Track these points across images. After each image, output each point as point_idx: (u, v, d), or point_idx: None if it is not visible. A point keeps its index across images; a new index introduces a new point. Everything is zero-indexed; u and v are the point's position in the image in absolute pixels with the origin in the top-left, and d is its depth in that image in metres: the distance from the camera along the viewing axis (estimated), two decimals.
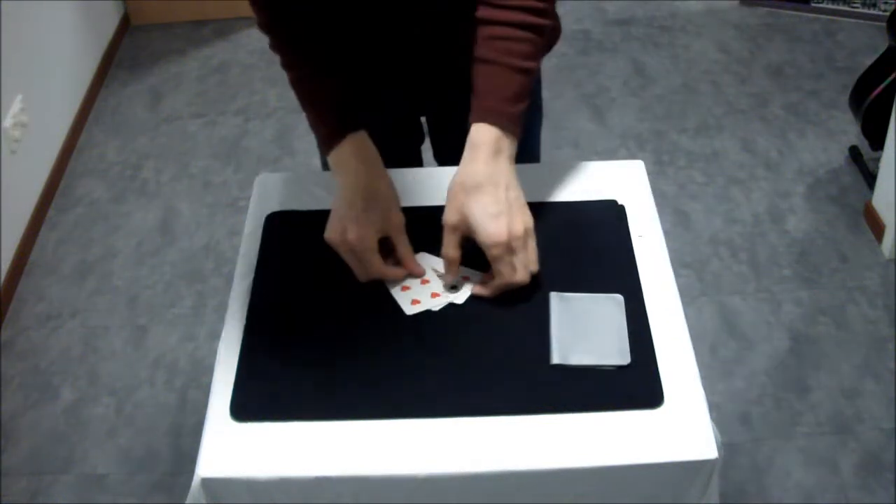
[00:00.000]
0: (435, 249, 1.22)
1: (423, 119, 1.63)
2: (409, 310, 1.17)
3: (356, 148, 1.21)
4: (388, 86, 1.40)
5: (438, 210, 1.17)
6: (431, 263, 1.22)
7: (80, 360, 2.47)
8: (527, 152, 1.64)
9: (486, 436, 1.09)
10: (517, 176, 1.15)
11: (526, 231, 1.11)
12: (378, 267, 1.18)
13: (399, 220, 1.20)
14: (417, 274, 1.20)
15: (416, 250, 1.26)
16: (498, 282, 1.14)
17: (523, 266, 1.12)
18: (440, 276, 1.20)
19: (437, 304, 1.17)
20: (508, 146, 1.12)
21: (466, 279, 1.20)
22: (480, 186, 1.09)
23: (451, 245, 1.14)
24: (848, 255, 2.65)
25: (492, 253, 1.10)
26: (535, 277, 1.19)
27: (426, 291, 1.19)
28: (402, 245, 1.20)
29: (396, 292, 1.19)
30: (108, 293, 2.66)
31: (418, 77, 1.42)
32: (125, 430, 2.29)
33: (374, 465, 1.08)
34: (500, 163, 1.11)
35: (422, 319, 1.20)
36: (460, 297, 1.18)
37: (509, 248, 1.09)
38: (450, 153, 1.60)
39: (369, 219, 1.17)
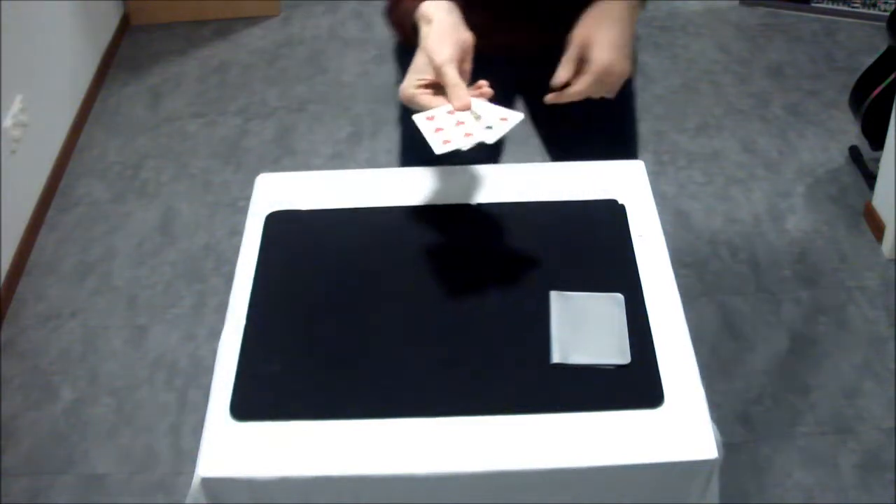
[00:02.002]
0: (444, 246, 1.22)
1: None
2: (439, 149, 1.14)
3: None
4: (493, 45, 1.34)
5: (449, 208, 1.17)
6: (474, 106, 1.19)
7: (80, 360, 2.47)
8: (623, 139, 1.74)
9: (486, 436, 1.09)
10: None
11: (625, 73, 1.23)
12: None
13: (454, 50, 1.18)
14: (460, 108, 1.17)
15: (429, 245, 1.26)
16: (577, 89, 1.22)
17: (605, 92, 1.24)
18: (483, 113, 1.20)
19: (467, 143, 1.15)
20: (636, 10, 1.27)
21: (504, 120, 1.19)
22: (617, 19, 1.21)
23: (568, 60, 1.22)
24: (848, 255, 2.65)
25: (594, 73, 1.20)
26: (534, 278, 1.19)
27: (460, 131, 1.16)
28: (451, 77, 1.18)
29: (429, 133, 1.16)
30: (108, 293, 2.66)
31: (526, 48, 1.46)
32: (125, 430, 2.29)
33: (374, 465, 1.08)
34: (633, 12, 1.24)
35: (422, 318, 1.20)
36: (492, 136, 1.18)
37: (608, 76, 1.21)
38: (551, 140, 1.77)
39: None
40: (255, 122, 3.29)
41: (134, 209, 2.96)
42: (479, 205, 1.41)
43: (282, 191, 1.47)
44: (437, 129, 1.15)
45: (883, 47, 2.79)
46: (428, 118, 1.16)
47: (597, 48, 1.20)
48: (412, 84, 1.18)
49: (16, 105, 2.82)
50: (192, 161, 3.13)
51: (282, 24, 3.80)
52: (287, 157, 3.11)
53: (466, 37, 1.17)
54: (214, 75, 3.55)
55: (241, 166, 3.10)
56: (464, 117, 1.16)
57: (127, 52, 3.71)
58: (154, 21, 3.84)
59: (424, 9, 1.20)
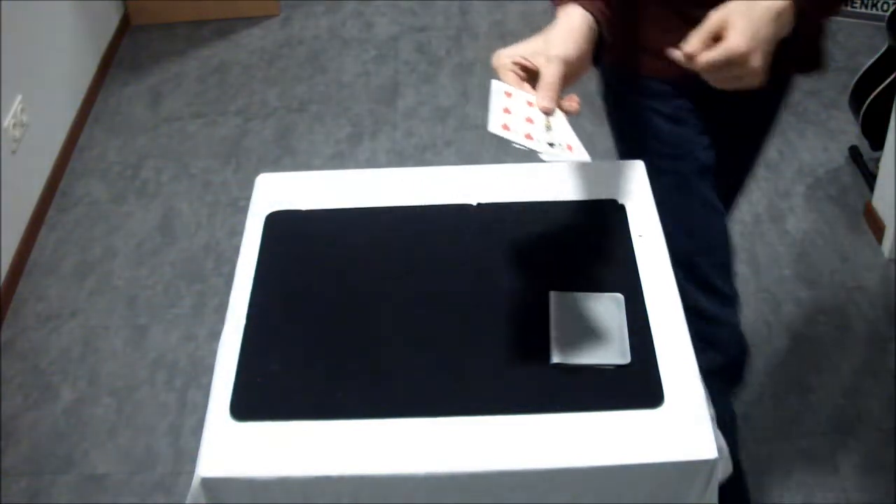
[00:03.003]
0: (444, 246, 1.22)
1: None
2: (495, 128, 1.05)
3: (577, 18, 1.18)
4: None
5: (449, 208, 1.17)
6: (554, 116, 1.10)
7: (80, 360, 2.47)
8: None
9: (486, 435, 1.09)
10: None
11: (758, 71, 1.09)
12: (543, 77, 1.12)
13: (562, 53, 1.12)
14: (543, 108, 1.09)
15: (429, 245, 1.25)
16: (704, 59, 1.09)
17: (730, 83, 1.12)
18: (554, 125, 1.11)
19: (523, 143, 1.06)
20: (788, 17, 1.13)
21: (570, 149, 1.09)
22: (765, 11, 1.09)
23: (701, 33, 1.09)
24: (848, 255, 2.65)
25: (724, 52, 1.08)
26: (534, 278, 1.19)
27: (523, 128, 1.07)
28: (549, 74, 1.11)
29: (496, 107, 1.08)
30: (108, 293, 2.67)
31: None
32: (125, 430, 2.29)
33: (374, 465, 1.08)
34: (786, 14, 1.12)
35: (422, 318, 1.20)
36: (549, 155, 1.09)
37: (737, 65, 1.08)
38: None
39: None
40: (255, 122, 3.29)
41: (134, 209, 2.96)
42: (479, 205, 1.41)
43: (282, 191, 1.47)
44: (506, 110, 1.07)
45: (883, 47, 2.79)
46: (506, 93, 1.09)
47: (734, 32, 1.08)
48: (511, 56, 1.14)
49: (16, 105, 2.82)
50: (192, 161, 3.13)
51: (282, 24, 3.80)
52: (287, 157, 3.12)
53: (585, 58, 1.14)
54: (214, 75, 3.55)
55: (241, 166, 3.10)
56: (536, 118, 1.09)
57: (127, 52, 3.71)
58: (154, 21, 3.84)
59: (573, 8, 1.16)
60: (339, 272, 1.27)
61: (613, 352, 1.18)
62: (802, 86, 3.30)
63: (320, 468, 1.08)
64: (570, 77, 1.11)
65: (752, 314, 2.49)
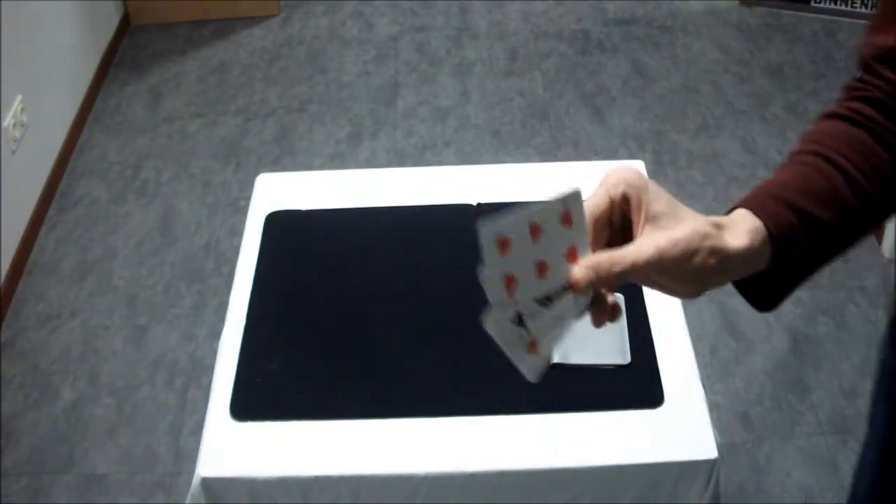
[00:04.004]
0: (444, 246, 1.22)
1: None
2: (489, 324, 0.66)
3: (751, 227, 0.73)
4: None
5: (449, 208, 1.17)
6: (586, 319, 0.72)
7: (80, 360, 2.47)
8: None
9: (486, 436, 1.09)
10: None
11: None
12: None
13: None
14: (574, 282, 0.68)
15: (429, 245, 1.26)
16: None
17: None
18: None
19: (515, 345, 0.68)
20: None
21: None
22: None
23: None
24: (848, 255, 2.65)
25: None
26: None
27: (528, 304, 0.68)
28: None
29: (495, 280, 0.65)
30: (108, 293, 2.66)
31: None
32: (125, 430, 2.29)
33: (374, 465, 1.08)
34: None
35: (422, 318, 1.20)
36: (554, 352, 0.79)
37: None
38: None
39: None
40: (255, 122, 3.29)
41: (134, 209, 2.95)
42: (479, 205, 1.41)
43: (282, 191, 1.47)
44: (509, 279, 0.65)
45: None
46: (500, 239, 0.64)
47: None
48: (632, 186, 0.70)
49: (16, 105, 2.82)
50: (192, 161, 3.13)
51: (282, 24, 3.80)
52: (287, 157, 3.11)
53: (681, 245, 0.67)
54: (214, 75, 3.55)
55: (241, 166, 3.09)
56: (552, 281, 0.67)
57: (127, 52, 3.71)
58: (154, 21, 3.84)
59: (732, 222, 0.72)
60: (338, 272, 1.27)
61: (613, 352, 1.18)
62: (803, 86, 3.30)
63: (320, 468, 1.08)
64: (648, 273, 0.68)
65: (753, 314, 2.49)
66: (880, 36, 0.80)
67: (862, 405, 2.25)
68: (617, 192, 0.69)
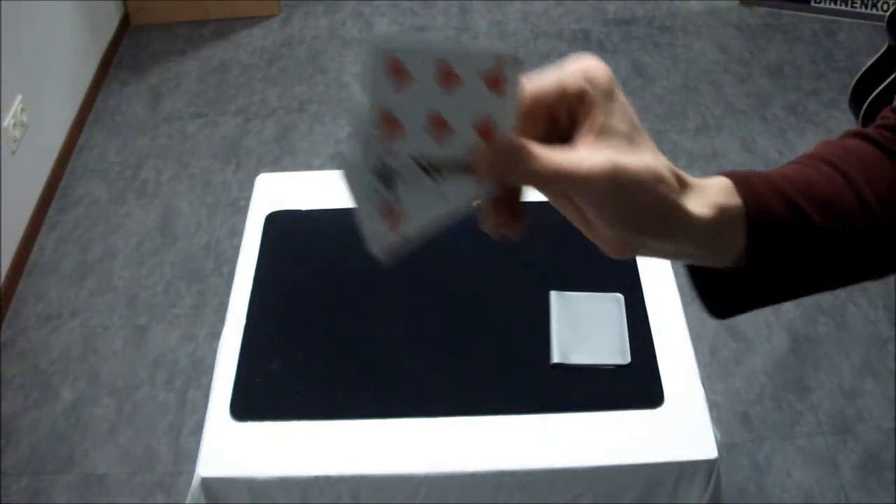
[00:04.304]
0: (444, 246, 1.22)
1: None
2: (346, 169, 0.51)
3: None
4: None
5: None
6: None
7: (80, 360, 2.47)
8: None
9: (486, 436, 1.09)
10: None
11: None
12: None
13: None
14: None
15: (429, 246, 1.26)
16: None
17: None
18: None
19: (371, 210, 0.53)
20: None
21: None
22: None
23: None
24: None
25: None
26: (534, 278, 1.19)
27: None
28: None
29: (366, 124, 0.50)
30: (108, 293, 2.66)
31: None
32: (125, 430, 2.29)
33: (374, 465, 1.08)
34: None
35: (422, 318, 1.20)
36: (418, 222, 0.54)
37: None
38: None
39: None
40: (255, 122, 3.29)
41: (134, 209, 2.95)
42: (480, 205, 1.41)
43: (282, 191, 1.47)
44: (391, 121, 0.49)
45: (883, 47, 2.79)
46: (395, 64, 0.49)
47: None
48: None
49: (16, 105, 2.82)
50: (192, 161, 3.13)
51: (282, 24, 3.80)
52: (287, 157, 3.11)
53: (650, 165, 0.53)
54: (214, 75, 3.54)
55: (241, 166, 3.09)
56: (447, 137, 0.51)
57: (127, 52, 3.71)
58: (154, 21, 3.84)
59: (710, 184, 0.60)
60: (338, 272, 1.27)
61: (613, 352, 1.18)
62: (803, 86, 3.30)
63: (320, 468, 1.08)
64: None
65: (752, 314, 2.49)
66: None
67: (862, 405, 2.25)
68: (574, 85, 0.52)
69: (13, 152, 2.78)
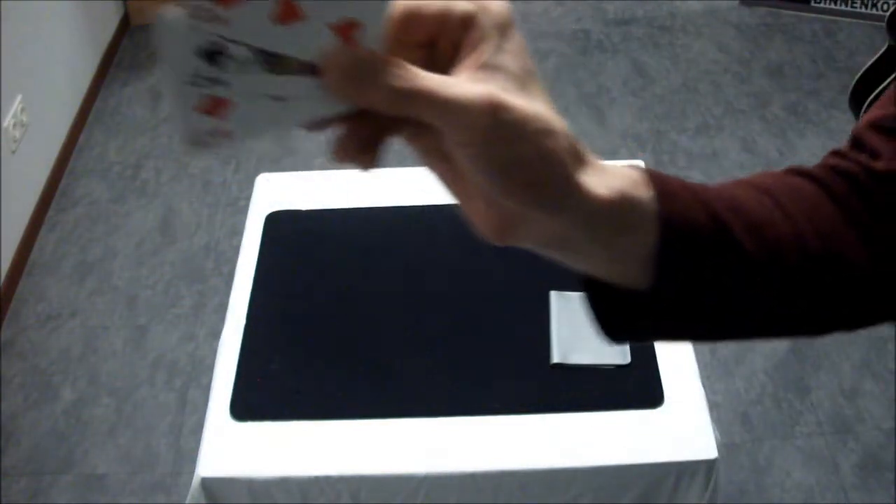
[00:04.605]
0: (444, 246, 1.22)
1: None
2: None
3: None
4: None
5: (450, 208, 1.17)
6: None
7: (80, 360, 2.47)
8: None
9: (486, 436, 1.09)
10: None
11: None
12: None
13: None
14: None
15: (429, 245, 1.26)
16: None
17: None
18: None
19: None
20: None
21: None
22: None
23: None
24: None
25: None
26: (534, 278, 1.19)
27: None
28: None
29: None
30: (108, 293, 2.66)
31: None
32: (125, 430, 2.29)
33: (374, 465, 1.08)
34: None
35: (422, 318, 1.20)
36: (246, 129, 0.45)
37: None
38: None
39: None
40: None
41: (134, 209, 2.95)
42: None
43: (282, 191, 1.47)
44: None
45: (883, 47, 2.79)
46: None
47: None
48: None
49: (16, 105, 2.82)
50: (192, 161, 3.13)
51: None
52: (287, 157, 3.11)
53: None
54: None
55: (241, 166, 3.09)
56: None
57: (127, 52, 3.71)
58: (154, 21, 3.84)
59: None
60: (339, 272, 1.27)
61: (613, 352, 1.18)
62: (803, 86, 3.30)
63: (320, 468, 1.08)
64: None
65: None
66: (878, 109, 0.62)
67: (862, 405, 2.25)
68: (461, 8, 0.43)
69: (13, 152, 2.78)
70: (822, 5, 3.66)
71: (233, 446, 1.11)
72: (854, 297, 0.55)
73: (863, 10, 3.61)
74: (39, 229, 2.89)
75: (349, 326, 1.21)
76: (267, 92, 0.40)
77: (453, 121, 0.40)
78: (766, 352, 2.39)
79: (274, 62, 0.40)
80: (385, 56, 0.40)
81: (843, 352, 2.38)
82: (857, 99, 2.80)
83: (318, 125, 0.43)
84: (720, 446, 1.11)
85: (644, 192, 0.47)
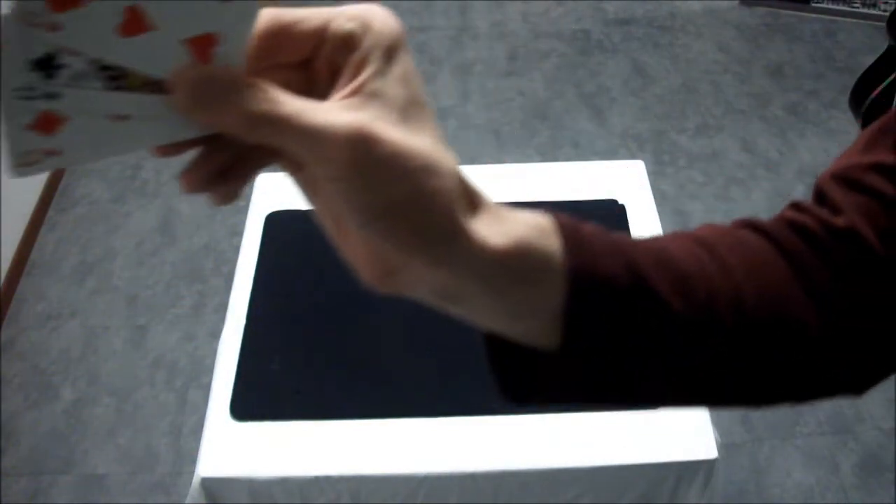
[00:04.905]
0: None
1: None
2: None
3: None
4: None
5: None
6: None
7: (80, 360, 2.47)
8: None
9: (486, 436, 1.09)
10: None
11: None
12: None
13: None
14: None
15: None
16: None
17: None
18: None
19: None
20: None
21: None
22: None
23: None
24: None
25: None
26: None
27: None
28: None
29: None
30: (108, 293, 2.66)
31: None
32: (125, 430, 2.29)
33: (374, 465, 1.08)
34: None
35: (422, 318, 1.20)
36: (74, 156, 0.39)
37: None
38: None
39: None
40: None
41: (134, 209, 2.95)
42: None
43: (282, 191, 1.47)
44: None
45: (883, 47, 2.79)
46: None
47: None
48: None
49: None
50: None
51: None
52: None
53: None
54: None
55: None
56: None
57: None
58: None
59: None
60: (338, 272, 1.27)
61: None
62: (803, 86, 3.30)
63: (320, 468, 1.08)
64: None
65: None
66: (843, 158, 0.56)
67: (862, 405, 2.25)
68: (342, 26, 0.38)
69: None
70: (822, 5, 3.66)
71: (233, 446, 1.11)
72: (800, 364, 0.49)
73: (863, 10, 3.61)
74: (39, 229, 2.89)
75: (349, 326, 1.21)
76: (107, 110, 0.35)
77: (315, 152, 0.36)
78: None
79: (117, 77, 0.35)
80: (243, 75, 0.36)
81: None
82: (858, 99, 2.80)
83: (168, 149, 0.38)
84: (720, 446, 1.11)
85: (551, 243, 0.42)
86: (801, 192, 2.87)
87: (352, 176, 0.36)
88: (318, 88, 0.39)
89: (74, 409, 2.35)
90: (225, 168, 0.39)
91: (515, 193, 1.41)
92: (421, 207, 0.37)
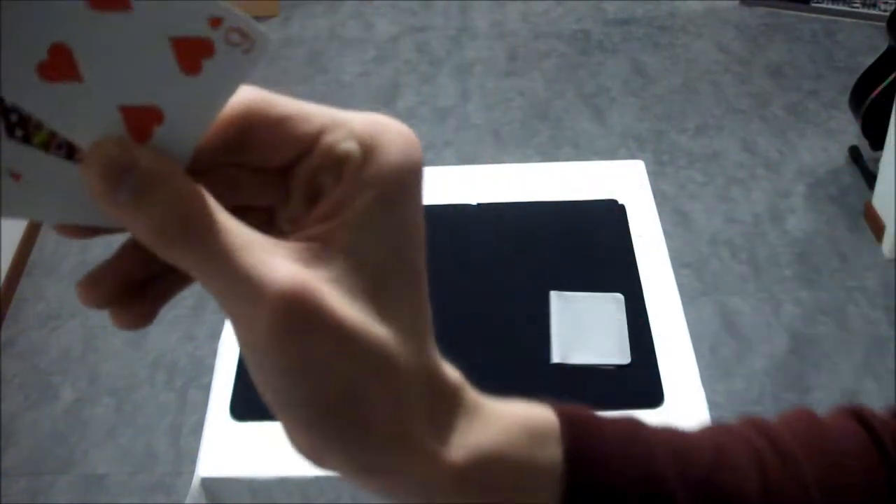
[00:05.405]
0: (444, 246, 1.22)
1: None
2: None
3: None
4: None
5: (449, 208, 1.16)
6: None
7: (80, 360, 2.47)
8: None
9: None
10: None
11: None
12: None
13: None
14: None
15: (429, 245, 1.26)
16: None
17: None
18: None
19: None
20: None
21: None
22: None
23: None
24: (848, 255, 2.65)
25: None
26: (534, 278, 1.19)
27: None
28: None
29: None
30: None
31: None
32: (125, 430, 2.29)
33: None
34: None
35: None
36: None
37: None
38: None
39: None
40: None
41: None
42: (479, 205, 1.41)
43: None
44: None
45: (883, 47, 2.79)
46: None
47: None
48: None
49: None
50: None
51: (281, 25, 3.80)
52: None
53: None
54: None
55: None
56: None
57: None
58: None
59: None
60: None
61: (613, 351, 1.18)
62: (803, 86, 3.30)
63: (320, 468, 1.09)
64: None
65: (753, 314, 2.49)
66: None
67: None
68: (337, 147, 0.30)
69: None
70: (822, 5, 3.66)
71: (233, 446, 1.11)
72: None
73: (863, 10, 3.61)
74: (39, 229, 2.89)
75: None
76: (55, 176, 0.28)
77: (232, 302, 0.27)
78: (766, 352, 2.39)
79: (20, 125, 0.27)
80: (178, 172, 0.27)
81: (843, 352, 2.38)
82: (858, 99, 2.80)
83: (70, 231, 0.30)
84: None
85: (547, 452, 0.36)
86: (801, 191, 2.87)
87: (270, 348, 0.27)
88: (289, 205, 0.30)
89: (74, 409, 2.35)
90: (143, 280, 0.30)
91: (515, 194, 1.41)
92: (352, 411, 0.28)
